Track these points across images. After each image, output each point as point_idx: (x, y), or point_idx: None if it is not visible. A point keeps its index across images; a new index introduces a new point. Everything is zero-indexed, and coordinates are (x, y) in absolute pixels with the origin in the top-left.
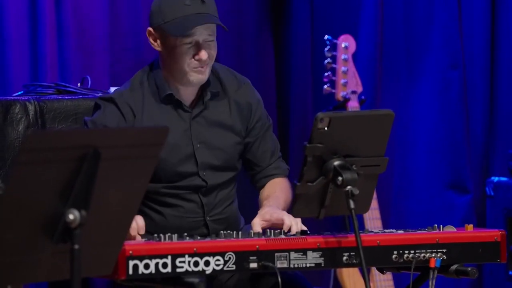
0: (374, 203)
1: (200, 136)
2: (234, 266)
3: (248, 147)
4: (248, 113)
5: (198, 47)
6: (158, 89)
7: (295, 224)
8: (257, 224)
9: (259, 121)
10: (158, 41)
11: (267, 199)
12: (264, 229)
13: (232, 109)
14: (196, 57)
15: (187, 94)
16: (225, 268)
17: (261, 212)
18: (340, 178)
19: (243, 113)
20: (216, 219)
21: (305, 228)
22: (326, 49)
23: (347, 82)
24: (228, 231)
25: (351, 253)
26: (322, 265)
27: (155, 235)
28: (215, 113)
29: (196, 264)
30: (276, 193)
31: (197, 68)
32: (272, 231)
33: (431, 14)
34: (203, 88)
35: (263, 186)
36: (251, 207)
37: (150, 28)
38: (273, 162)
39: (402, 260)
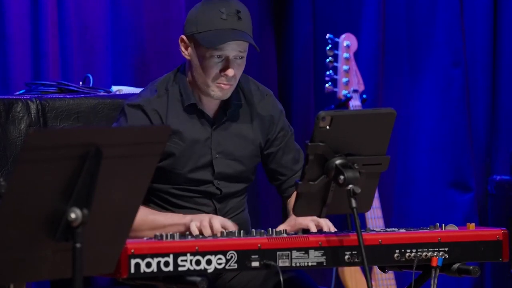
0: (376, 202)
1: (220, 146)
2: (236, 264)
3: (271, 157)
4: (270, 125)
5: (227, 62)
6: (182, 97)
7: (323, 222)
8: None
9: (281, 131)
10: (189, 49)
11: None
12: (265, 228)
13: (254, 121)
14: (223, 73)
15: (210, 105)
16: (227, 267)
17: (288, 220)
18: (341, 177)
19: (264, 125)
20: None
21: (334, 229)
22: (328, 47)
23: (349, 81)
24: (230, 230)
25: (353, 252)
26: (324, 264)
27: (157, 233)
28: (237, 124)
29: (198, 262)
30: None
31: (221, 84)
32: (273, 230)
33: (433, 11)
34: (227, 99)
35: (289, 196)
36: (264, 213)
37: (183, 36)
38: (298, 170)
39: (404, 259)
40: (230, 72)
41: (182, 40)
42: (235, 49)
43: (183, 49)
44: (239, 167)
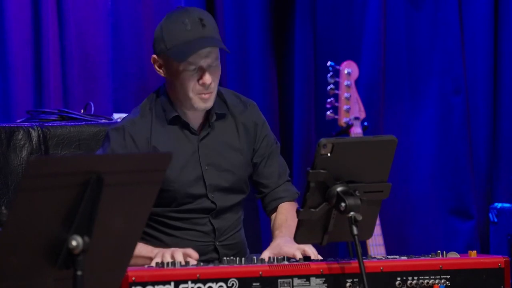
0: (377, 229)
1: (208, 158)
2: None
3: (254, 168)
4: (254, 134)
5: (202, 71)
6: (165, 113)
7: (310, 250)
8: (266, 257)
9: (264, 141)
10: (163, 67)
11: (279, 229)
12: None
13: (240, 131)
14: (200, 82)
15: (194, 117)
16: None
17: (272, 245)
18: (343, 204)
19: (250, 134)
20: (225, 244)
21: (320, 257)
22: (329, 75)
23: (350, 108)
24: (231, 257)
25: (355, 280)
26: None
27: (158, 261)
28: (223, 135)
29: None
30: (287, 221)
31: (201, 93)
32: (275, 257)
33: (434, 39)
34: (209, 110)
35: (272, 210)
36: (254, 235)
37: (154, 55)
38: (281, 184)
39: (405, 287)
40: (207, 79)
41: (155, 60)
42: (207, 58)
43: (157, 68)
44: (231, 177)
